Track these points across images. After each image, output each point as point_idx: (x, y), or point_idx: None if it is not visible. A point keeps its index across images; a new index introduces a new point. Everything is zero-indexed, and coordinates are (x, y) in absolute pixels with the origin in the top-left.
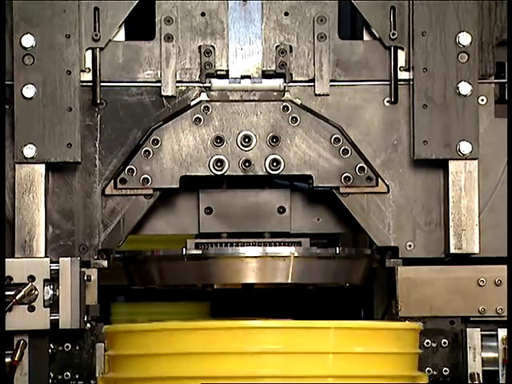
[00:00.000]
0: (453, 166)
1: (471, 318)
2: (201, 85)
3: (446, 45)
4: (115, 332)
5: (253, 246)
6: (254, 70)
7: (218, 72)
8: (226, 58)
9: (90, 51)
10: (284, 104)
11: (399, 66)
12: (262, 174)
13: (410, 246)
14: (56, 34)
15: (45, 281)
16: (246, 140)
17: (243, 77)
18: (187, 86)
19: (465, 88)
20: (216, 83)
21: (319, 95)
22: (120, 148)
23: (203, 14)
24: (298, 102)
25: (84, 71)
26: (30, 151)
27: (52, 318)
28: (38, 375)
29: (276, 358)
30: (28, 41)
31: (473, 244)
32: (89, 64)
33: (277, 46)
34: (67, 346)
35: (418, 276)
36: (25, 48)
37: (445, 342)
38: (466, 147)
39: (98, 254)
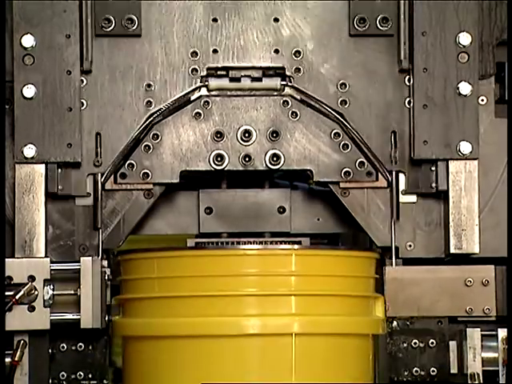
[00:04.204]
0: (453, 166)
1: (458, 318)
2: (201, 84)
3: (446, 45)
4: (127, 259)
5: (253, 245)
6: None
7: (218, 72)
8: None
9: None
10: (284, 99)
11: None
12: (262, 168)
13: (410, 245)
14: (56, 33)
15: (45, 281)
16: (246, 135)
17: (243, 76)
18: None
19: (465, 88)
20: (216, 82)
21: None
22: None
23: None
24: (298, 97)
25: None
26: (30, 151)
27: (70, 317)
28: (37, 375)
29: (253, 279)
30: (28, 41)
31: (473, 244)
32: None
33: None
34: (80, 346)
35: (405, 276)
36: (25, 48)
37: (432, 342)
38: (466, 147)
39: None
